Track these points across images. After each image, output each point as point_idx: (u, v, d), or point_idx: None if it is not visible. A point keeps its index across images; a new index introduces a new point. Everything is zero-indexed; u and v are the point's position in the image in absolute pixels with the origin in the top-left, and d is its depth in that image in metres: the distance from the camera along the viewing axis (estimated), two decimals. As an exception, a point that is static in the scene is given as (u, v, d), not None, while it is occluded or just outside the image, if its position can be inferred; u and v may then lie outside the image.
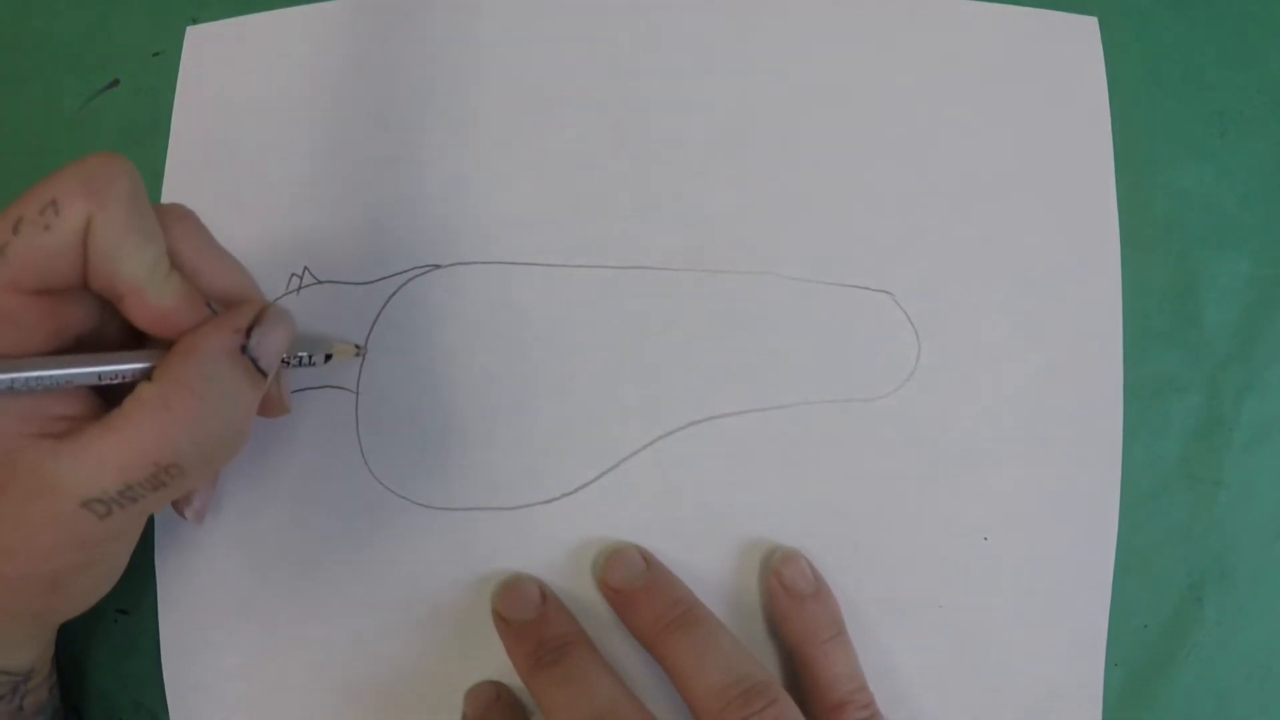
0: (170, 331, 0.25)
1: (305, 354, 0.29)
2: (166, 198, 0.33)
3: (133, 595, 0.32)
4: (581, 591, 0.31)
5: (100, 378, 0.25)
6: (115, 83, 0.34)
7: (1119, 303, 0.33)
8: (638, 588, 0.30)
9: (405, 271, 0.32)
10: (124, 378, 0.25)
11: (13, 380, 0.23)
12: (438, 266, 0.32)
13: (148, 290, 0.25)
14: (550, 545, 0.31)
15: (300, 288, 0.32)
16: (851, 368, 0.32)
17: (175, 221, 0.26)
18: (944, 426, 0.32)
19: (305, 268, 0.32)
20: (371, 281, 0.32)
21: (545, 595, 0.30)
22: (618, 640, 0.31)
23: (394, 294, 0.32)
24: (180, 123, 0.34)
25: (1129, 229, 0.33)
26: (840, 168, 0.33)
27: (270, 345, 0.26)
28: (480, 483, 0.32)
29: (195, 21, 0.34)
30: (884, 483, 0.32)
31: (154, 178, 0.33)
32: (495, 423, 0.32)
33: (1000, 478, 0.32)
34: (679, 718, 0.30)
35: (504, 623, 0.30)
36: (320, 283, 0.32)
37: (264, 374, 0.26)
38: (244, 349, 0.26)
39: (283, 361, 0.28)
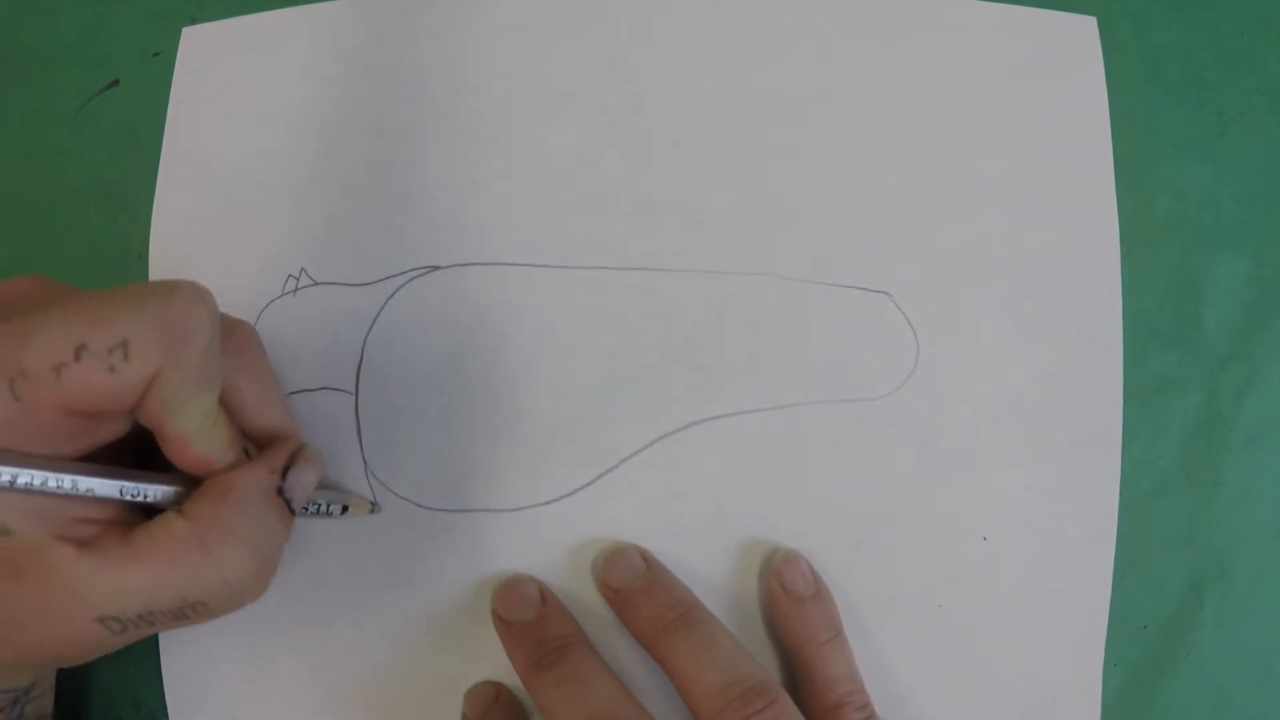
0: (201, 472, 0.25)
1: (322, 503, 0.29)
2: (162, 198, 0.33)
3: (133, 595, 0.32)
4: (581, 592, 0.31)
5: (122, 493, 0.24)
6: (115, 83, 0.34)
7: (1119, 303, 0.33)
8: (637, 588, 0.30)
9: (404, 272, 0.32)
10: (147, 498, 0.25)
11: (33, 479, 0.23)
12: (437, 268, 0.32)
13: (193, 439, 0.24)
14: (550, 546, 0.31)
15: (297, 289, 0.32)
16: (850, 368, 0.32)
17: (237, 349, 0.26)
18: (943, 426, 0.32)
19: (302, 269, 0.32)
20: (370, 283, 0.32)
21: (545, 596, 0.30)
22: (617, 641, 0.31)
23: (393, 295, 0.32)
24: (175, 123, 0.34)
25: (1129, 229, 0.33)
26: (839, 167, 0.33)
27: (304, 486, 0.27)
28: (480, 483, 0.32)
29: (194, 21, 0.34)
30: (883, 483, 0.32)
31: (153, 178, 0.33)
32: (495, 423, 0.32)
33: (1000, 478, 0.32)
34: (678, 718, 0.30)
35: (503, 624, 0.30)
36: (317, 284, 0.32)
37: (294, 513, 0.26)
38: (279, 490, 0.26)
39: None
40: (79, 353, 0.22)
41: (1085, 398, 0.32)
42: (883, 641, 0.31)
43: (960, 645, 0.32)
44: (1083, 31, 0.34)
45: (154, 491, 0.25)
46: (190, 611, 0.24)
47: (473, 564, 0.31)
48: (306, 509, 0.29)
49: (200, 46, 0.34)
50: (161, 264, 0.33)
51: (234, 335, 0.27)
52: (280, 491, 0.26)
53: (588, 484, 0.32)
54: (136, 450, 0.27)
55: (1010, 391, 0.32)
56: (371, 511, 0.31)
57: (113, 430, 0.25)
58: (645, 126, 0.33)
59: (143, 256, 0.33)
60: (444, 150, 0.33)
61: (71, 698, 0.32)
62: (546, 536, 0.31)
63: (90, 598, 0.23)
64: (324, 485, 0.31)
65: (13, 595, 0.23)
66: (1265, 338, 0.33)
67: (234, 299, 0.32)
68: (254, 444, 0.28)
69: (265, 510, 0.25)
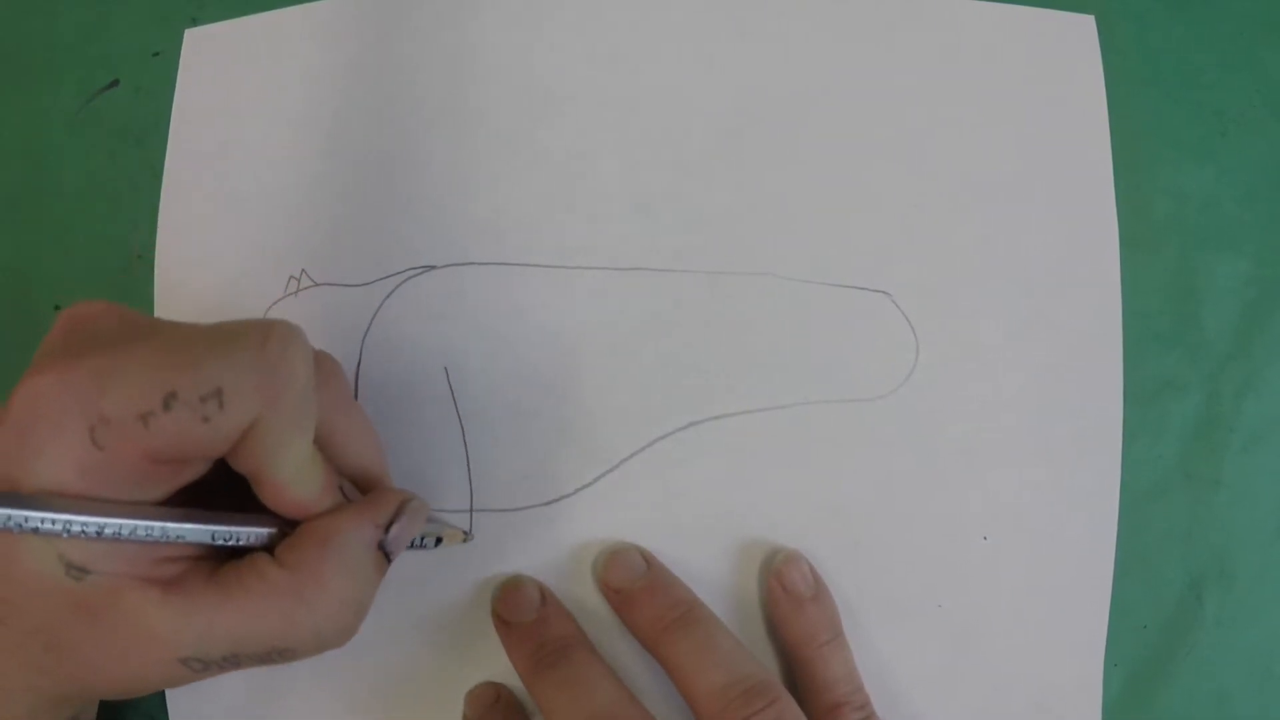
0: (298, 516, 0.24)
1: (417, 540, 0.28)
2: (166, 199, 0.33)
3: (133, 596, 0.32)
4: (581, 592, 0.31)
5: (214, 538, 0.23)
6: (115, 83, 0.34)
7: (1118, 303, 0.33)
8: (638, 588, 0.30)
9: (401, 273, 0.32)
10: (240, 542, 0.24)
11: (121, 528, 0.21)
12: (433, 267, 0.32)
13: (290, 485, 0.23)
14: (550, 546, 0.31)
15: (299, 290, 0.32)
16: (850, 368, 0.32)
17: (324, 383, 0.24)
18: (943, 426, 0.32)
19: (303, 270, 0.32)
20: (368, 283, 0.32)
21: (545, 597, 0.30)
22: (618, 641, 0.31)
23: (389, 295, 0.32)
24: (179, 124, 0.34)
25: (1129, 229, 0.33)
26: (838, 167, 0.33)
27: (405, 540, 0.26)
28: (480, 483, 0.32)
29: (195, 22, 0.34)
30: (884, 482, 0.32)
31: (153, 178, 0.33)
32: (494, 424, 0.32)
33: (1000, 478, 0.32)
34: (680, 718, 0.30)
35: (504, 625, 0.30)
36: (318, 285, 0.32)
37: (389, 562, 0.25)
38: (380, 543, 0.25)
39: None
40: (168, 401, 0.20)
41: (1085, 398, 0.32)
42: (882, 642, 0.31)
43: (960, 645, 0.32)
44: (1081, 31, 0.34)
45: (248, 534, 0.24)
46: (277, 656, 0.23)
47: (473, 564, 0.31)
48: None
49: (202, 48, 0.34)
50: (168, 267, 0.33)
51: (320, 369, 0.25)
52: (380, 545, 0.25)
53: (588, 484, 0.32)
54: (220, 484, 0.25)
55: (1010, 391, 0.32)
56: (465, 541, 0.31)
57: (198, 472, 0.23)
58: (645, 126, 0.33)
59: (143, 257, 0.33)
60: (443, 150, 0.33)
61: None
62: (546, 536, 0.31)
63: (175, 640, 0.22)
64: None
65: (87, 636, 0.22)
66: (1265, 338, 0.33)
67: (240, 302, 0.32)
68: (348, 481, 0.27)
69: (364, 562, 0.24)
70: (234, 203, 0.33)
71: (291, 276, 0.32)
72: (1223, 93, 0.34)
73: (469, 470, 0.32)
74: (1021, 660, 0.32)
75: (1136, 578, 0.32)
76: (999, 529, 0.32)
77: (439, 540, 0.29)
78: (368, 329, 0.32)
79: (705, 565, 0.31)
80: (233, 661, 0.23)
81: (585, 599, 0.31)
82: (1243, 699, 0.32)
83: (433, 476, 0.32)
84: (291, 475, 0.23)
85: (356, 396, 0.32)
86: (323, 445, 0.25)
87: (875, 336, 0.32)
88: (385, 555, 0.25)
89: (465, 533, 0.31)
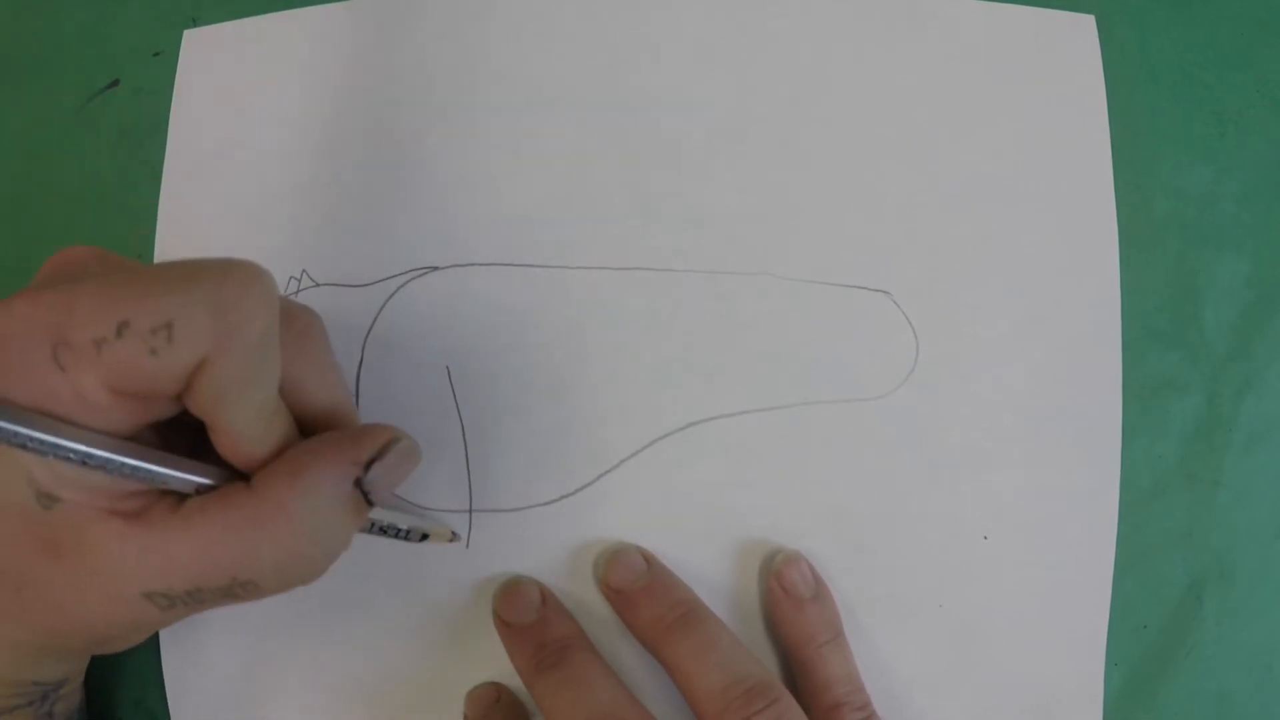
0: (248, 468, 0.23)
1: (402, 528, 0.28)
2: (165, 200, 0.33)
3: (133, 596, 0.32)
4: (582, 593, 0.31)
5: (167, 482, 0.22)
6: (115, 83, 0.34)
7: (1118, 303, 0.33)
8: (639, 588, 0.30)
9: (403, 274, 0.32)
10: (194, 489, 0.23)
11: (74, 453, 0.21)
12: (435, 268, 0.32)
13: (244, 438, 0.22)
14: (550, 546, 0.31)
15: (299, 290, 0.32)
16: (850, 368, 0.32)
17: (296, 337, 0.24)
18: (943, 426, 0.32)
19: (304, 270, 0.32)
20: (370, 284, 0.32)
21: (545, 597, 0.30)
22: (618, 641, 0.31)
23: (391, 296, 0.32)
24: (178, 125, 0.34)
25: (1128, 229, 0.33)
26: (838, 167, 0.33)
27: (390, 483, 0.24)
28: (480, 484, 0.32)
29: (195, 22, 0.34)
30: (883, 483, 0.32)
31: (153, 178, 0.33)
32: (494, 424, 0.32)
33: (1000, 477, 0.32)
34: (681, 719, 0.30)
35: (504, 625, 0.30)
36: (319, 285, 0.32)
37: (371, 504, 0.24)
38: (358, 481, 0.23)
39: (372, 526, 0.27)
40: (120, 329, 0.20)
41: (1085, 398, 0.32)
42: (883, 641, 0.31)
43: (960, 645, 0.32)
44: (1081, 30, 0.34)
45: (201, 484, 0.22)
46: (240, 590, 0.23)
47: (473, 564, 0.31)
48: (385, 531, 0.27)
49: (201, 49, 0.34)
50: (162, 264, 0.33)
51: (294, 325, 0.24)
52: (359, 483, 0.23)
53: (588, 484, 0.32)
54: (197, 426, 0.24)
55: (1010, 391, 0.32)
56: (450, 541, 0.30)
57: (163, 410, 0.23)
58: (645, 126, 0.33)
59: (143, 257, 0.33)
60: (443, 151, 0.33)
61: (72, 698, 0.32)
62: (546, 536, 0.31)
63: (135, 573, 0.22)
64: (405, 507, 0.30)
65: (50, 576, 0.22)
66: (1265, 338, 0.33)
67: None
68: (311, 429, 0.25)
69: (336, 502, 0.23)
70: (234, 203, 0.33)
71: (291, 277, 0.32)
72: (1222, 93, 0.34)
73: (469, 470, 0.32)
74: (1021, 660, 0.32)
75: (1136, 578, 0.32)
76: (999, 529, 0.32)
77: (424, 536, 0.28)
78: (370, 329, 0.32)
79: (705, 565, 0.31)
80: (196, 597, 0.22)
81: (585, 599, 0.31)
82: (1243, 699, 0.32)
83: (433, 476, 0.32)
84: (244, 427, 0.22)
85: (357, 396, 0.32)
86: (288, 396, 0.24)
87: (875, 336, 0.32)
88: (365, 497, 0.24)
89: (454, 533, 0.31)
